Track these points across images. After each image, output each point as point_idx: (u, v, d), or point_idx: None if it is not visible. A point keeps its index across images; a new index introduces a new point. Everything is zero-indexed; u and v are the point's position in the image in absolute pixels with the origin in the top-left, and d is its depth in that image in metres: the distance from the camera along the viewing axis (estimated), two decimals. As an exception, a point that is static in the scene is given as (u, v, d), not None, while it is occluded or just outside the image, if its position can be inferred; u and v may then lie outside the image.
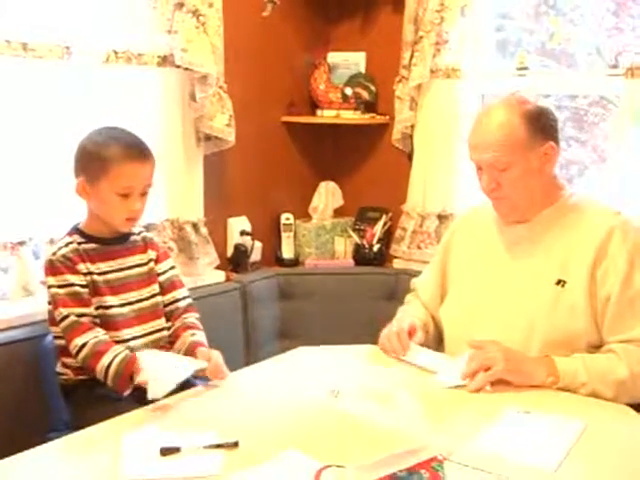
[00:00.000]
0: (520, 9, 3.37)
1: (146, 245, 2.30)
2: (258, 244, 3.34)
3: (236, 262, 3.27)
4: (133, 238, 2.27)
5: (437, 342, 2.40)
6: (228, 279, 3.18)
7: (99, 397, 2.05)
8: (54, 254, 2.13)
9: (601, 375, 2.01)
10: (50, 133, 2.55)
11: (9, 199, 2.47)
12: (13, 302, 2.49)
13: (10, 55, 2.38)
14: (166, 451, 1.63)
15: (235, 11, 3.04)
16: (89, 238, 2.18)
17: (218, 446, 1.66)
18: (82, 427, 1.81)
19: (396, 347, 2.22)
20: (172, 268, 2.34)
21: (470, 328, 2.21)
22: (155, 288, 2.27)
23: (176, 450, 1.64)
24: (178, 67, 2.83)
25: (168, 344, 2.27)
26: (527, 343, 2.11)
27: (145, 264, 2.27)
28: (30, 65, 2.44)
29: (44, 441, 1.76)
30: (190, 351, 2.18)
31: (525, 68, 3.12)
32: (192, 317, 2.30)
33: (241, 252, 3.26)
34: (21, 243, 2.48)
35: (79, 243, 2.16)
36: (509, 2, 3.37)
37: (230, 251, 3.29)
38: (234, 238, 3.28)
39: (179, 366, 2.01)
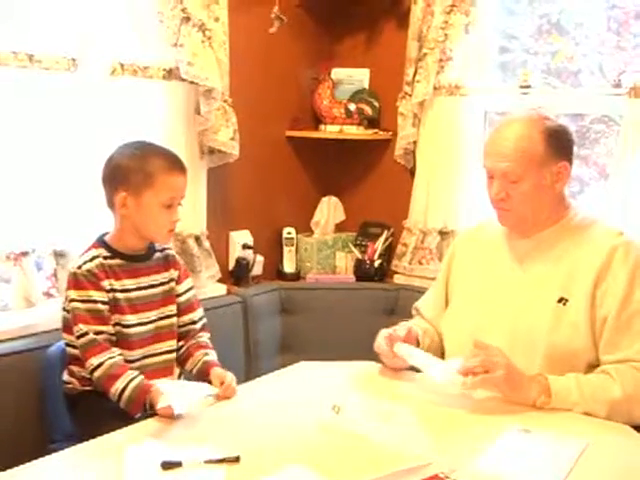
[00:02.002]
0: (524, 28, 3.38)
1: (168, 264, 2.29)
2: (260, 258, 3.34)
3: (237, 275, 3.27)
4: (157, 256, 2.27)
5: (441, 355, 2.39)
6: (229, 292, 3.18)
7: (104, 409, 2.05)
8: (79, 267, 2.12)
9: (594, 396, 2.00)
10: (55, 144, 2.55)
11: (12, 209, 2.47)
12: (15, 313, 2.49)
13: (16, 66, 2.38)
14: (167, 465, 1.63)
15: (241, 26, 3.06)
16: (115, 253, 2.17)
17: (219, 461, 1.66)
18: (85, 438, 1.81)
19: (386, 353, 2.22)
20: (191, 289, 2.34)
21: (471, 342, 2.20)
22: (173, 309, 2.27)
23: (177, 464, 1.63)
24: (183, 80, 2.84)
25: (178, 364, 2.28)
26: (529, 360, 2.11)
27: (166, 283, 2.27)
28: (36, 76, 2.45)
29: (45, 453, 1.76)
30: (203, 371, 2.19)
31: (528, 86, 3.14)
32: (205, 337, 2.31)
33: (243, 266, 3.26)
34: (24, 254, 2.47)
35: (105, 257, 2.15)
36: (513, 20, 3.39)
37: (232, 264, 3.29)
38: (236, 251, 3.28)
39: (195, 387, 2.03)
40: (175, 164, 2.18)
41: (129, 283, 2.18)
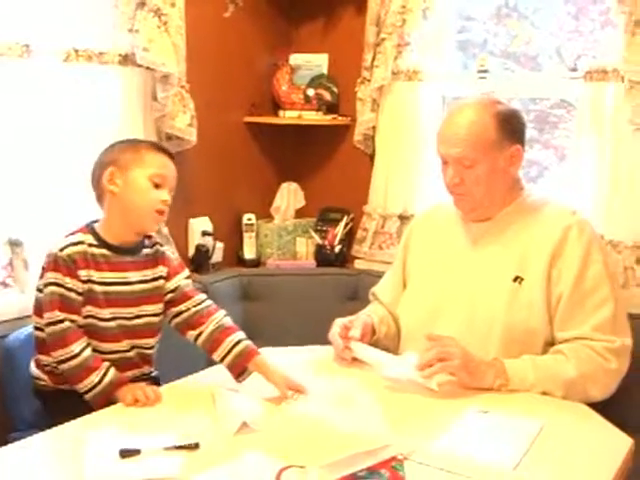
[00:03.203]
0: (482, 12, 3.39)
1: (157, 260, 2.18)
2: (220, 244, 3.33)
3: (197, 263, 3.25)
4: (145, 252, 2.17)
5: (397, 341, 2.41)
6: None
7: (82, 408, 1.94)
8: (61, 250, 2.03)
9: (550, 376, 2.04)
10: (8, 132, 2.50)
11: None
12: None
13: (-32, 53, 2.34)
14: (126, 453, 1.62)
15: (197, 11, 3.03)
16: (102, 243, 2.09)
17: (178, 447, 1.65)
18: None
19: (337, 345, 2.24)
20: (186, 278, 2.23)
21: (428, 324, 2.23)
22: (157, 307, 2.16)
23: (136, 452, 1.63)
24: (139, 66, 2.81)
25: (207, 350, 2.14)
26: (486, 340, 2.14)
27: (152, 280, 2.16)
28: (-12, 63, 2.41)
29: (6, 442, 1.75)
30: (242, 362, 2.07)
31: (485, 71, 3.15)
32: (222, 315, 2.16)
33: (202, 253, 3.24)
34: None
35: (90, 245, 2.07)
36: (471, 5, 3.40)
37: (191, 252, 3.27)
38: (195, 239, 3.26)
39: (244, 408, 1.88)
40: (164, 149, 2.17)
41: (110, 276, 2.08)
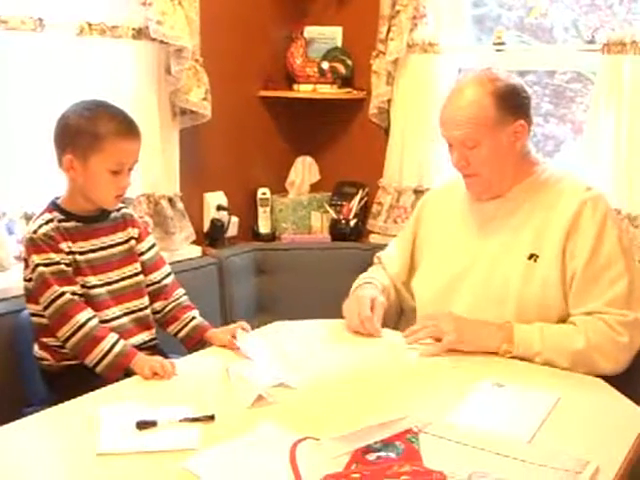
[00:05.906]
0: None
1: (126, 222, 2.26)
2: (235, 219, 3.33)
3: (213, 237, 3.26)
4: (113, 215, 2.23)
5: (397, 313, 2.43)
6: (205, 254, 3.16)
7: (90, 386, 1.92)
8: (35, 232, 2.07)
9: (557, 345, 2.04)
10: (23, 106, 2.51)
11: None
12: (-14, 278, 2.46)
13: (-18, 27, 2.34)
14: (142, 425, 1.63)
15: (211, -17, 3.02)
16: (69, 215, 2.13)
17: (194, 420, 1.66)
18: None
19: (372, 330, 2.25)
20: (153, 246, 2.31)
21: (443, 302, 2.23)
22: (136, 267, 2.24)
23: (152, 424, 1.64)
24: (153, 40, 2.80)
25: (159, 326, 2.29)
26: (500, 316, 2.13)
27: (126, 242, 2.24)
28: (2, 38, 2.39)
29: (20, 416, 1.75)
30: (194, 336, 2.24)
31: (502, 43, 3.12)
32: (184, 296, 2.31)
33: (217, 227, 3.25)
34: (-6, 218, 2.45)
35: (59, 221, 2.11)
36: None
37: (206, 226, 3.27)
38: (210, 213, 3.27)
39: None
40: (126, 128, 2.11)
41: (86, 245, 2.14)
